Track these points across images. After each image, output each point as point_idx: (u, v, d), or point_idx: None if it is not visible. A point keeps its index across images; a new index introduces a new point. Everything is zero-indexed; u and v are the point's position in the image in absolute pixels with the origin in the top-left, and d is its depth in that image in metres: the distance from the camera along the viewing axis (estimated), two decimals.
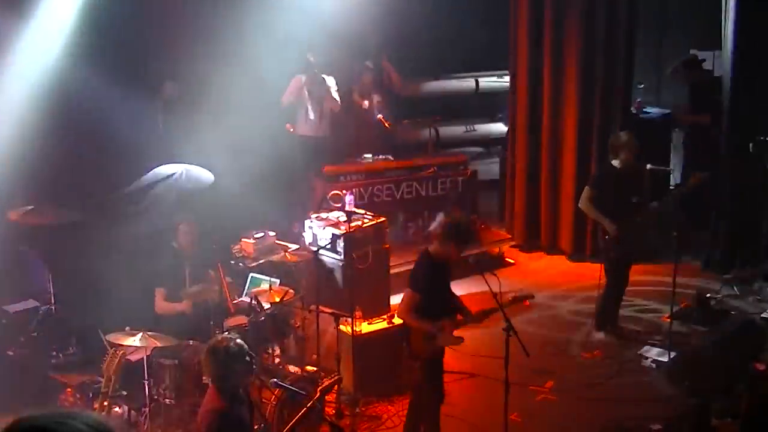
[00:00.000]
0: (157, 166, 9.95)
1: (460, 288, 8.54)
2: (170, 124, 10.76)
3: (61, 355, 8.68)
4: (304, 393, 6.56)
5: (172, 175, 9.73)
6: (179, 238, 8.38)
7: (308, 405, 5.37)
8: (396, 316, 7.32)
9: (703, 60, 12.12)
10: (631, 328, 9.63)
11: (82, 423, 2.39)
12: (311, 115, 11.48)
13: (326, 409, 7.88)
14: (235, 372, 5.80)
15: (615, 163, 9.11)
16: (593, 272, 9.51)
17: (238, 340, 5.95)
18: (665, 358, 8.91)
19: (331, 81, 11.50)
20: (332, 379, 5.89)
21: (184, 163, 9.99)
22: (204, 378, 6.88)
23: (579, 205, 9.39)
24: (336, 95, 11.52)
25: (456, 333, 7.20)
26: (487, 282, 7.01)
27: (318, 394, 5.67)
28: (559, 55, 11.32)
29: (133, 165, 10.08)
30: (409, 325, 7.19)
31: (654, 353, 9.06)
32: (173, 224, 8.50)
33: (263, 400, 7.27)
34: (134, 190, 9.61)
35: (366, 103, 11.90)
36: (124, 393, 7.44)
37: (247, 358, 5.89)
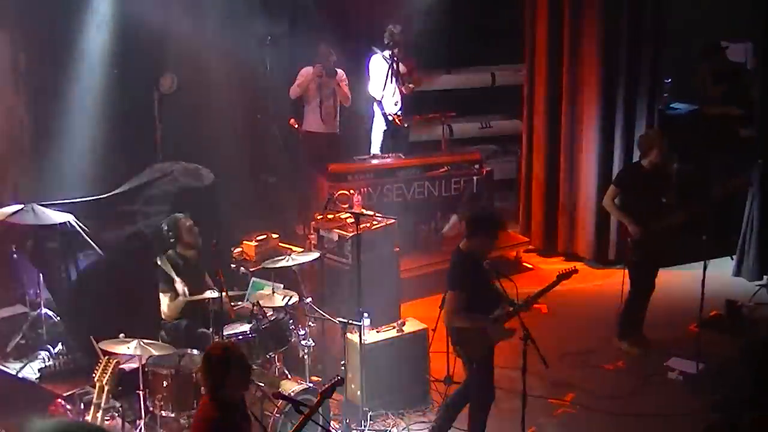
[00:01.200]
0: (153, 164, 9.95)
1: None
2: (167, 120, 10.75)
3: (50, 364, 8.68)
4: (308, 405, 6.52)
5: (170, 173, 9.72)
6: (183, 236, 8.32)
7: (308, 412, 5.34)
8: (444, 321, 7.44)
9: (726, 47, 12.03)
10: (657, 338, 9.57)
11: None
12: (321, 110, 11.45)
13: (332, 422, 7.87)
14: (231, 381, 5.78)
15: (642, 161, 9.08)
16: (615, 278, 9.48)
17: (235, 347, 5.93)
18: (693, 370, 8.88)
19: (341, 74, 11.49)
20: (332, 382, 5.87)
21: (182, 160, 9.98)
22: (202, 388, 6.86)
23: (603, 204, 9.39)
24: (347, 89, 11.50)
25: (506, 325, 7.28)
26: (503, 288, 7.02)
27: (319, 397, 5.64)
28: (579, 48, 11.27)
29: (128, 163, 10.10)
30: (461, 326, 7.25)
31: (681, 365, 9.02)
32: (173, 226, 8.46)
33: (265, 412, 7.25)
34: (128, 190, 9.60)
35: (380, 95, 11.86)
36: (118, 404, 7.43)
37: (245, 367, 5.87)
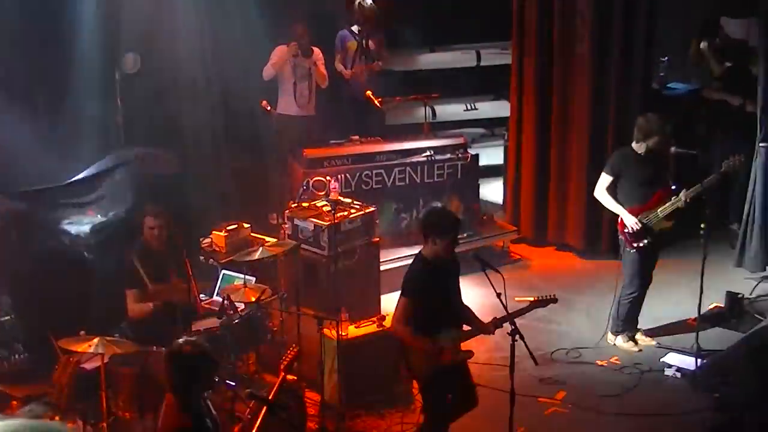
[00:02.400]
0: (115, 150, 9.92)
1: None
2: (130, 103, 10.71)
3: (6, 364, 8.65)
4: (282, 405, 6.53)
5: (133, 160, 9.69)
6: (144, 233, 8.32)
7: (275, 387, 5.36)
8: (389, 329, 7.35)
9: (716, 21, 12.07)
10: (653, 333, 9.62)
11: None
12: (296, 92, 11.42)
13: (309, 424, 7.88)
14: (198, 380, 5.76)
15: (637, 147, 9.05)
16: (609, 270, 9.50)
17: (202, 344, 5.92)
18: (691, 367, 8.92)
19: (317, 53, 11.48)
20: (292, 353, 5.87)
21: (147, 146, 9.96)
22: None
23: (594, 194, 9.35)
24: (323, 69, 11.49)
25: (464, 346, 7.16)
26: (490, 281, 7.00)
27: (281, 374, 5.66)
28: (571, 25, 11.27)
29: (87, 148, 10.05)
30: (402, 338, 7.11)
31: (678, 361, 9.06)
32: (139, 216, 8.44)
33: (236, 413, 7.25)
34: (88, 177, 9.57)
35: (348, 72, 11.86)
36: (79, 406, 7.41)
37: (213, 365, 5.86)
